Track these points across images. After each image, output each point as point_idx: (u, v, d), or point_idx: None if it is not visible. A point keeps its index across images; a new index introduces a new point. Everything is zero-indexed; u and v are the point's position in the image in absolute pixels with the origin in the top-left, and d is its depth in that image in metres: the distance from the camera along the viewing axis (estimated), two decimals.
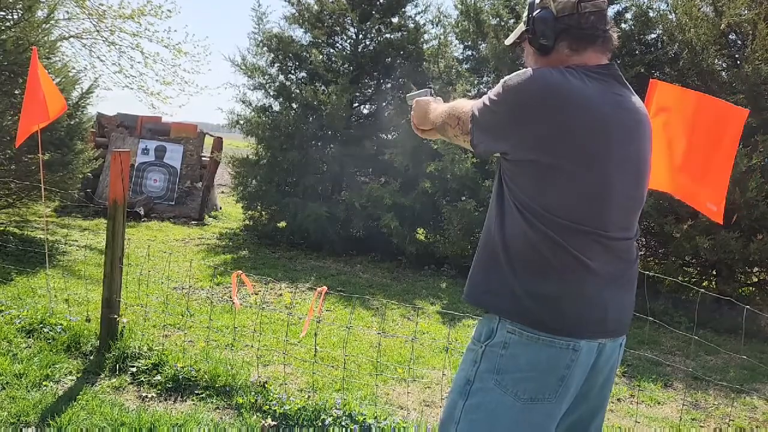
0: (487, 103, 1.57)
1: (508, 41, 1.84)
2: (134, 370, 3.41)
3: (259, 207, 8.43)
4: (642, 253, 6.83)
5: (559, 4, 1.60)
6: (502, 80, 1.56)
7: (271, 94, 8.48)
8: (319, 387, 3.51)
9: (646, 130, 1.64)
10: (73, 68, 7.60)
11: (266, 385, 3.33)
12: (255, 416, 3.08)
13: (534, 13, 1.63)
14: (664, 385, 4.20)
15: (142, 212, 9.07)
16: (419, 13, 8.52)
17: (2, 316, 4.01)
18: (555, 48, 1.62)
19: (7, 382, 3.15)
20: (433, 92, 1.98)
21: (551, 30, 1.60)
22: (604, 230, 1.53)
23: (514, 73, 1.54)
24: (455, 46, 8.10)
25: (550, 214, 1.50)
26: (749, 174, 5.47)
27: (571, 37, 1.60)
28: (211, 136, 10.98)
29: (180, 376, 3.34)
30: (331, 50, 8.50)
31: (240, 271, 3.90)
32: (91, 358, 3.57)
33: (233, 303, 4.75)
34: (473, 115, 1.61)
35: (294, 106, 8.19)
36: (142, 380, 3.34)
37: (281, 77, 8.50)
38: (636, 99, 1.64)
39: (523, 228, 1.52)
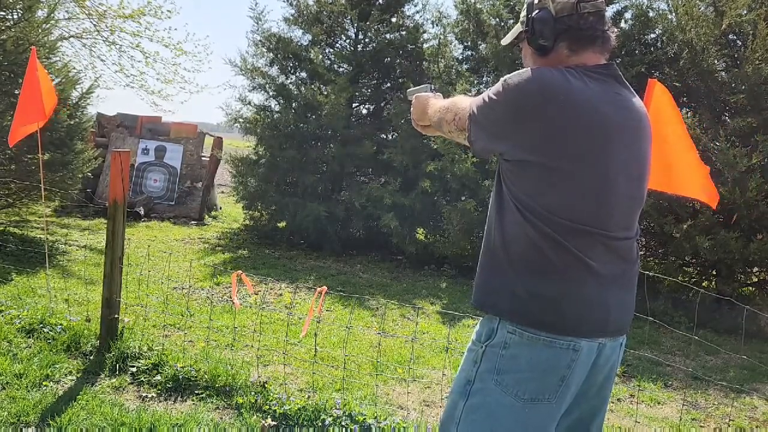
0: (487, 101, 1.56)
1: (504, 41, 1.82)
2: (134, 370, 3.41)
3: (259, 207, 8.44)
4: (642, 253, 6.82)
5: (558, 5, 1.59)
6: (502, 79, 1.54)
7: (271, 94, 8.49)
8: (319, 387, 3.50)
9: (647, 130, 1.63)
10: (74, 68, 7.60)
11: (266, 385, 3.33)
12: (255, 416, 3.08)
13: (533, 14, 1.62)
14: (664, 385, 4.20)
15: (142, 212, 9.07)
16: (418, 12, 8.52)
17: (2, 316, 4.01)
18: (554, 49, 1.61)
19: (7, 382, 3.15)
20: (433, 88, 1.97)
21: (550, 30, 1.59)
22: (606, 230, 1.52)
23: (515, 72, 1.53)
24: (455, 46, 8.10)
25: (552, 215, 1.49)
26: (749, 174, 5.47)
27: (570, 37, 1.59)
28: (211, 136, 10.99)
29: (180, 376, 3.34)
30: (331, 50, 8.50)
31: (240, 271, 3.90)
32: (91, 358, 3.57)
33: (233, 303, 4.75)
34: (472, 112, 1.60)
35: (293, 105, 8.19)
36: (142, 380, 3.34)
37: (281, 77, 8.50)
38: (636, 99, 1.63)
39: (524, 228, 1.52)
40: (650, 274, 5.09)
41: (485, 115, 1.56)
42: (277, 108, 8.48)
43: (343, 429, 3.03)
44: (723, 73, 6.11)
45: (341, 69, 8.29)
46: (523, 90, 1.50)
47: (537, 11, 1.62)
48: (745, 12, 5.88)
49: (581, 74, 1.53)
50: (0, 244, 5.95)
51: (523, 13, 1.68)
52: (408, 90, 2.05)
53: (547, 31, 1.60)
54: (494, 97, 1.54)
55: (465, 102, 1.66)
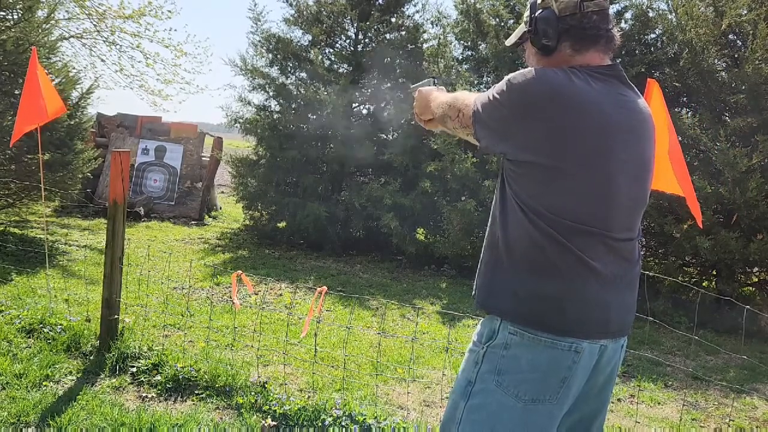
0: (491, 99, 1.55)
1: (508, 42, 1.82)
2: (134, 370, 3.41)
3: (259, 207, 8.44)
4: (642, 253, 6.82)
5: (561, 4, 1.59)
6: (506, 78, 1.54)
7: (271, 94, 8.48)
8: (319, 387, 3.50)
9: (650, 130, 1.63)
10: (74, 68, 7.61)
11: (266, 385, 3.33)
12: (255, 416, 3.08)
13: (536, 13, 1.62)
14: (664, 385, 4.20)
15: (142, 212, 9.07)
16: (417, 12, 8.51)
17: (2, 316, 4.01)
18: (557, 48, 1.61)
19: (7, 382, 3.15)
20: (436, 82, 1.95)
21: (554, 30, 1.59)
22: (608, 231, 1.52)
23: (519, 72, 1.52)
24: (454, 46, 8.10)
25: (555, 215, 1.49)
26: (749, 174, 5.47)
27: (574, 37, 1.59)
28: (211, 136, 10.99)
29: (180, 376, 3.34)
30: (331, 50, 8.50)
31: (240, 271, 3.90)
32: (91, 358, 3.57)
33: (233, 303, 4.75)
34: (476, 110, 1.59)
35: (293, 106, 8.19)
36: (142, 380, 3.34)
37: (281, 78, 8.50)
38: (640, 100, 1.63)
39: (527, 229, 1.52)
40: (650, 274, 5.10)
41: (489, 113, 1.56)
42: (277, 108, 8.48)
43: (343, 429, 3.03)
44: (723, 73, 6.11)
45: (341, 69, 8.28)
46: (527, 90, 1.49)
47: (540, 11, 1.61)
48: (745, 12, 5.87)
49: (585, 74, 1.53)
50: (0, 244, 5.95)
51: (527, 13, 1.67)
52: (411, 86, 2.03)
53: (550, 30, 1.59)
54: (498, 96, 1.53)
55: (469, 98, 1.65)
